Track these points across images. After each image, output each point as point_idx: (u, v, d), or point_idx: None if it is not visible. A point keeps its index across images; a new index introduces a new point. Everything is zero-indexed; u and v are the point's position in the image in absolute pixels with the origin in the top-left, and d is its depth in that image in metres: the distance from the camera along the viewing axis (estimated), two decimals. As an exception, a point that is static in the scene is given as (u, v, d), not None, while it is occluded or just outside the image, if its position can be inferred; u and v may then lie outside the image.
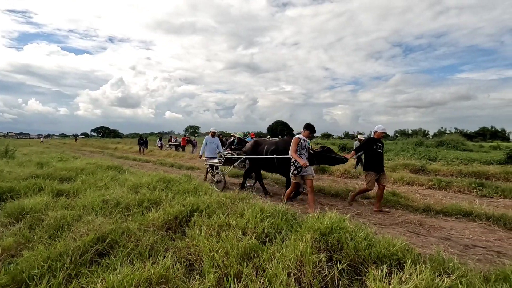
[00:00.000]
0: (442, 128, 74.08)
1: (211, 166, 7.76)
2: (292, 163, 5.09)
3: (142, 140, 21.47)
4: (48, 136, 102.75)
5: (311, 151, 5.63)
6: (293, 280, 2.17)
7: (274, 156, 6.09)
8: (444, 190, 7.39)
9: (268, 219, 3.39)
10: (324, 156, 5.73)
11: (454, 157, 13.52)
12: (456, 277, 2.18)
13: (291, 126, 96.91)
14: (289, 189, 5.45)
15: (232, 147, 8.40)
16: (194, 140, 22.38)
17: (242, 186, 7.19)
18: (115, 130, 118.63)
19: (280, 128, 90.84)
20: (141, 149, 20.94)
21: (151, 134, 64.70)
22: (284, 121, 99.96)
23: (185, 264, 2.48)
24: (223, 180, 7.19)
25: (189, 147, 22.30)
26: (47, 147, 28.19)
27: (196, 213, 3.68)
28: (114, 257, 2.48)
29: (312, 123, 5.32)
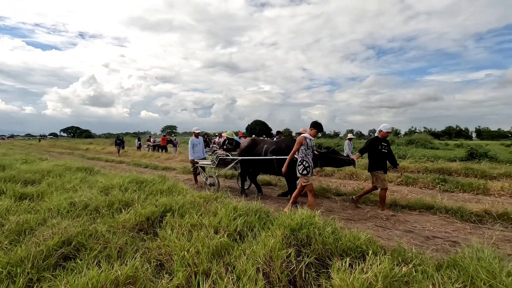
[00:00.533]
0: (412, 127, 78.22)
1: (203, 168, 7.44)
2: (300, 163, 4.74)
3: (120, 140, 20.43)
4: (12, 136, 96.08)
5: (315, 152, 5.31)
6: (261, 275, 2.23)
7: (276, 157, 5.68)
8: (411, 186, 7.82)
9: (241, 218, 3.44)
10: (330, 158, 5.47)
11: (422, 155, 14.32)
12: (413, 266, 2.35)
13: (269, 126, 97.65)
14: (296, 191, 5.00)
15: (225, 147, 7.78)
16: (175, 140, 21.45)
17: (243, 191, 6.85)
18: (87, 130, 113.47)
19: (259, 128, 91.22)
20: (119, 150, 19.92)
21: (126, 134, 62.58)
22: (262, 120, 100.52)
23: (155, 264, 2.46)
24: (217, 183, 6.80)
25: (169, 147, 21.69)
26: (11, 148, 26.41)
27: (168, 214, 3.65)
28: (80, 260, 2.42)
29: (319, 122, 4.92)
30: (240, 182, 7.19)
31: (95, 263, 2.36)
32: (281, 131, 11.26)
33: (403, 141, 27.35)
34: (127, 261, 2.34)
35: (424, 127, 75.55)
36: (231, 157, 6.82)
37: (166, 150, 19.99)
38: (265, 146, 6.19)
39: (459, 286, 2.05)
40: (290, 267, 2.39)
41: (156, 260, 2.57)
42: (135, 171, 8.07)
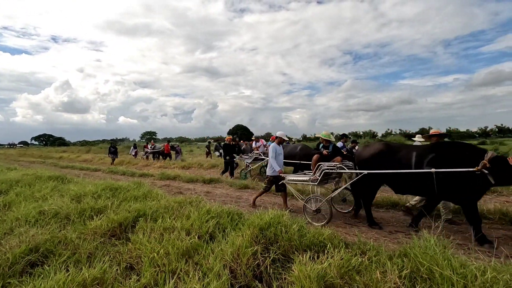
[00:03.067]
0: (388, 129, 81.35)
1: (278, 184, 5.64)
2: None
3: (114, 148, 18.00)
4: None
5: None
6: (228, 270, 2.36)
7: (441, 170, 3.75)
8: (384, 185, 8.21)
9: (213, 220, 3.55)
10: None
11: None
12: (369, 256, 2.57)
13: (251, 130, 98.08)
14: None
15: (324, 152, 5.68)
16: (178, 146, 19.24)
17: (372, 221, 4.59)
18: (60, 138, 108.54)
19: (241, 133, 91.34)
20: (113, 159, 17.58)
21: (103, 141, 60.56)
22: (244, 125, 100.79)
23: (124, 266, 2.52)
24: (328, 210, 4.66)
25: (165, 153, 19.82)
26: (-24, 159, 24.89)
27: (141, 219, 3.69)
28: (48, 266, 2.43)
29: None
30: (357, 206, 5.13)
31: (63, 268, 2.39)
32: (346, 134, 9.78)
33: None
34: (95, 265, 2.39)
35: (400, 129, 78.76)
36: (347, 170, 4.85)
37: (170, 157, 17.94)
38: (415, 153, 4.16)
39: (407, 272, 2.27)
40: (256, 263, 2.53)
41: (126, 262, 2.62)
42: (111, 179, 7.96)
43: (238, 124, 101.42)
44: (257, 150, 10.36)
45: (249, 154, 10.34)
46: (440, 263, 2.23)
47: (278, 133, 5.92)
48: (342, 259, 2.42)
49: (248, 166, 9.89)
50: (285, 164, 8.26)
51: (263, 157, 9.37)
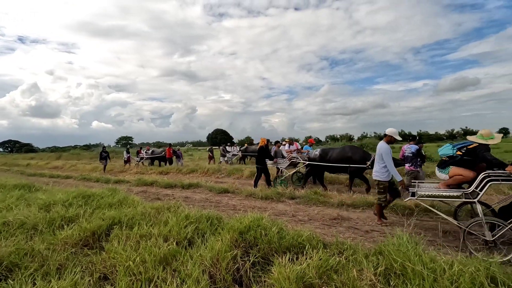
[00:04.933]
0: (364, 132, 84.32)
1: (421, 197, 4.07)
2: None
3: (106, 153, 16.15)
4: None
5: None
6: (207, 276, 2.32)
7: None
8: (358, 186, 8.48)
9: (192, 225, 3.50)
10: None
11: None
12: (346, 256, 2.63)
13: (231, 135, 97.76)
14: None
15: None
16: (179, 150, 17.42)
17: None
18: (28, 144, 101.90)
19: (220, 137, 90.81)
20: (105, 166, 15.99)
21: (75, 147, 57.73)
22: (223, 129, 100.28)
23: (98, 276, 2.41)
24: None
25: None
26: None
27: (116, 226, 3.56)
28: (13, 280, 2.27)
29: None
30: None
31: (30, 281, 2.24)
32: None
33: (330, 146, 29.54)
34: (66, 277, 2.27)
35: (375, 132, 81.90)
36: None
37: (171, 163, 16.16)
38: None
39: (382, 269, 2.35)
40: (235, 267, 2.52)
41: (100, 273, 2.51)
42: (83, 186, 7.60)
43: (218, 129, 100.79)
44: (290, 153, 9.30)
45: (283, 159, 9.22)
46: (412, 259, 2.33)
47: (389, 131, 4.88)
48: (320, 259, 2.46)
49: (283, 172, 9.07)
50: (335, 169, 8.02)
51: (300, 160, 8.61)
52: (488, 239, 3.39)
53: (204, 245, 2.94)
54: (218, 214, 4.11)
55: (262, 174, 8.41)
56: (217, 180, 11.04)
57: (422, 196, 3.99)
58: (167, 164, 16.11)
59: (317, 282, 2.15)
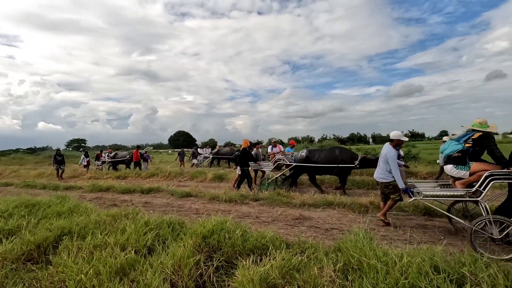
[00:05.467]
0: (324, 135, 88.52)
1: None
2: None
3: (61, 157, 14.23)
4: None
5: None
6: (168, 284, 2.23)
7: None
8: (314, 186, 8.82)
9: (152, 232, 3.34)
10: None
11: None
12: (307, 254, 2.72)
13: (193, 137, 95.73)
14: None
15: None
16: (146, 153, 16.08)
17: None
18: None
19: (183, 139, 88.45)
20: (59, 171, 14.12)
21: (17, 150, 51.85)
22: (186, 131, 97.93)
23: (43, 294, 2.19)
24: None
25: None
26: None
27: (66, 237, 3.27)
28: None
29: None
30: None
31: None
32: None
33: (316, 147, 30.73)
34: (5, 297, 2.02)
35: (333, 134, 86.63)
36: None
37: (140, 167, 14.80)
38: None
39: (340, 265, 2.46)
40: (198, 272, 2.46)
41: (46, 290, 2.28)
42: (27, 194, 6.86)
43: (180, 130, 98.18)
44: (273, 156, 8.97)
45: (267, 162, 9.01)
46: (368, 254, 2.48)
47: (395, 135, 4.79)
48: (283, 259, 2.51)
49: (268, 174, 8.74)
50: (324, 169, 7.90)
51: (287, 162, 8.26)
52: (495, 237, 3.33)
53: (165, 252, 2.83)
54: (181, 219, 3.99)
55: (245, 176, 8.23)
56: (179, 184, 10.72)
57: (427, 196, 3.97)
58: (136, 168, 14.76)
59: (280, 282, 2.19)
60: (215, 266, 2.56)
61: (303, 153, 8.28)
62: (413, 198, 4.12)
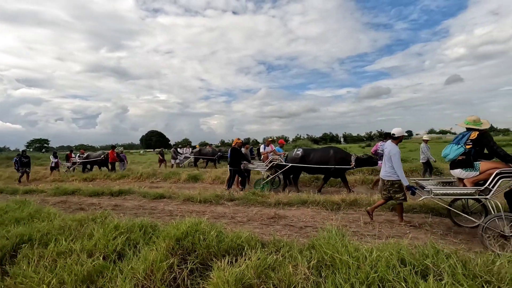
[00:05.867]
0: (298, 134, 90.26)
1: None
2: None
3: (26, 158, 12.89)
4: None
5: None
6: (139, 290, 2.15)
7: None
8: (293, 185, 8.97)
9: (123, 236, 3.20)
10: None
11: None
12: (282, 253, 2.75)
13: (167, 137, 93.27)
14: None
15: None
16: (122, 153, 15.02)
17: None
18: None
19: (155, 139, 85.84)
20: (24, 173, 12.86)
21: (-32, 152, 47.24)
22: (159, 131, 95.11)
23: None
24: None
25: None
26: None
27: (25, 245, 3.03)
28: None
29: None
30: None
31: None
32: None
33: (290, 147, 31.24)
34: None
35: (307, 134, 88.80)
36: None
37: (114, 168, 13.80)
38: None
39: (314, 262, 2.52)
40: (173, 276, 2.39)
41: (2, 303, 2.10)
42: (-20, 199, 6.29)
43: (153, 130, 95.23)
44: (266, 155, 8.90)
45: (260, 162, 8.85)
46: (340, 250, 2.56)
47: (397, 131, 4.76)
48: (258, 259, 2.51)
49: (263, 174, 8.49)
50: (317, 170, 7.83)
51: (283, 162, 8.10)
52: (507, 234, 3.38)
53: (137, 256, 2.72)
54: (153, 222, 3.86)
55: (237, 176, 8.12)
56: (151, 185, 10.39)
57: (438, 195, 3.95)
58: (112, 169, 13.79)
59: (255, 282, 2.19)
60: (189, 269, 2.51)
61: (299, 151, 8.14)
62: (423, 197, 4.05)
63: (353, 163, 7.33)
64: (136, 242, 3.18)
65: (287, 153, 8.93)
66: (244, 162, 8.40)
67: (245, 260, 2.48)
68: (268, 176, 8.31)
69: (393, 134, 4.77)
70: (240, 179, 8.46)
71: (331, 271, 2.32)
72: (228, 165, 8.35)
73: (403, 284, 1.96)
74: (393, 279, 2.01)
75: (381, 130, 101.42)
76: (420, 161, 9.22)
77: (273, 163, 8.17)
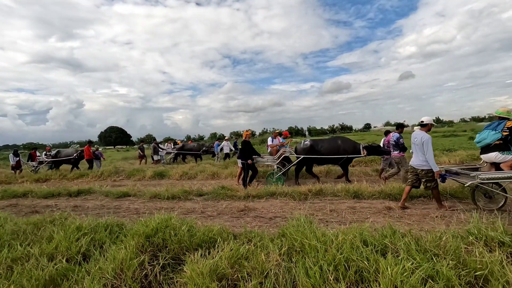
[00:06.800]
0: (264, 129, 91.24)
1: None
2: None
3: (17, 156, 12.38)
4: None
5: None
6: (109, 290, 2.08)
7: None
8: (262, 179, 9.12)
9: (87, 236, 3.05)
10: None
11: (270, 152, 17.01)
12: (254, 243, 2.82)
13: (128, 133, 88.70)
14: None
15: None
16: (98, 150, 14.05)
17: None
18: None
19: (115, 135, 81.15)
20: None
21: None
22: (119, 127, 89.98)
23: None
24: None
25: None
26: None
27: (-27, 253, 2.75)
28: None
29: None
30: None
31: None
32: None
33: (257, 141, 31.60)
34: None
35: (273, 128, 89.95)
36: None
37: (91, 167, 12.67)
38: None
39: (285, 249, 2.63)
40: (144, 273, 2.35)
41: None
42: None
43: (113, 126, 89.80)
44: (274, 148, 8.62)
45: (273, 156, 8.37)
46: (308, 236, 2.70)
47: (427, 119, 4.86)
48: (231, 250, 2.56)
49: (277, 168, 8.01)
50: (327, 160, 7.73)
51: (294, 154, 7.95)
52: None
53: (104, 256, 2.62)
54: (119, 221, 3.72)
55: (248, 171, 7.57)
56: (114, 183, 9.87)
57: (484, 179, 4.19)
58: (90, 168, 12.60)
59: (229, 272, 2.24)
60: (161, 264, 2.47)
61: (307, 142, 8.01)
62: (469, 182, 4.29)
63: (365, 152, 7.36)
64: (102, 242, 3.05)
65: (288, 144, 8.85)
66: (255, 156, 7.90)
67: (218, 251, 2.51)
68: (280, 169, 8.01)
69: (422, 122, 4.89)
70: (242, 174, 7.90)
71: (301, 256, 2.45)
72: (239, 160, 7.87)
73: (366, 263, 2.14)
74: (357, 258, 2.18)
75: (342, 123, 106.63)
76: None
77: (283, 156, 8.00)
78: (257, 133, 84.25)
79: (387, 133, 8.47)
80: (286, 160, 8.38)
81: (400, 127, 7.24)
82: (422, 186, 4.94)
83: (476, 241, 2.47)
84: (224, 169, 10.80)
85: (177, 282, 2.32)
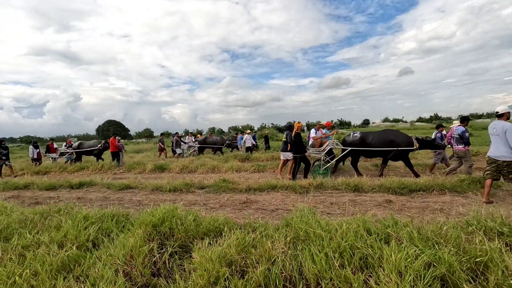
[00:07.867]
0: (263, 123, 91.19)
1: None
2: None
3: (5, 150, 10.99)
4: None
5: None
6: (121, 274, 2.14)
7: None
8: (262, 172, 9.20)
9: (94, 225, 3.10)
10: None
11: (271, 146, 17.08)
12: (259, 232, 2.89)
13: (126, 127, 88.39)
14: None
15: None
16: (119, 142, 13.02)
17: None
18: None
19: (113, 129, 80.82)
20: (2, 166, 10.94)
21: None
22: (117, 121, 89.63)
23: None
24: None
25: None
26: None
27: (-17, 241, 2.80)
28: None
29: None
30: None
31: None
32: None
33: (257, 136, 31.71)
34: None
35: (272, 123, 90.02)
36: None
37: (118, 159, 12.21)
38: None
39: (290, 238, 2.69)
40: (153, 260, 2.41)
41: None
42: None
43: (110, 120, 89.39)
44: (317, 140, 8.50)
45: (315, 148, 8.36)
46: (313, 225, 2.77)
47: (502, 108, 4.77)
48: (238, 238, 2.63)
49: (322, 160, 7.82)
50: (377, 153, 7.58)
51: (341, 146, 7.88)
52: None
53: (113, 244, 2.67)
54: (124, 211, 3.77)
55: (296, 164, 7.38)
56: (115, 176, 9.91)
57: None
58: (115, 160, 12.04)
59: (237, 258, 2.30)
60: (169, 252, 2.54)
61: (357, 134, 7.89)
62: None
63: (417, 145, 7.21)
64: (109, 231, 3.11)
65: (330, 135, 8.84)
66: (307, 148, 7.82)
67: (225, 240, 2.57)
68: (327, 162, 7.88)
69: (497, 112, 4.79)
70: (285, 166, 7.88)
71: (306, 244, 2.51)
72: (287, 153, 7.90)
73: (370, 250, 2.21)
74: (361, 246, 2.25)
75: (341, 118, 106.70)
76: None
77: (328, 148, 7.97)
78: (256, 128, 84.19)
79: (438, 126, 8.34)
80: (328, 152, 8.19)
81: (465, 120, 6.95)
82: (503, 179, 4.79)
83: (476, 231, 2.55)
84: (225, 162, 10.86)
85: (185, 269, 2.38)
